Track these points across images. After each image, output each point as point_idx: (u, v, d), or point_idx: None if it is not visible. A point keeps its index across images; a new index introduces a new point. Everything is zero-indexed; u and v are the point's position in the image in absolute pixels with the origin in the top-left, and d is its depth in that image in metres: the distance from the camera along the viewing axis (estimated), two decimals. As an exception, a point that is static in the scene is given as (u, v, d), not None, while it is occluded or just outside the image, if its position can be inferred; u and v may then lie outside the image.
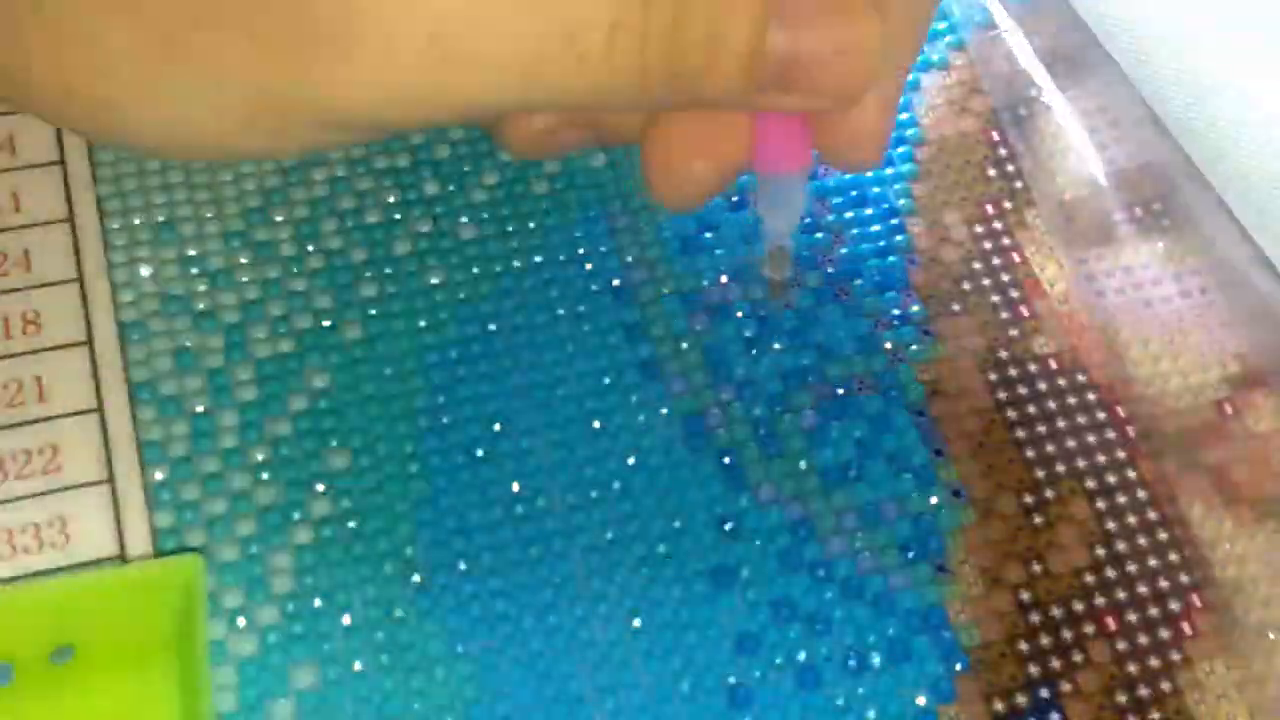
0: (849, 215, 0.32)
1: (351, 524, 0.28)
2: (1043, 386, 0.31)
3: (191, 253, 0.30)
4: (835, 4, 0.20)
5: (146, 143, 0.21)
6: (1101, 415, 0.30)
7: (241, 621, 0.27)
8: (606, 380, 0.30)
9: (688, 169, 0.23)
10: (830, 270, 0.32)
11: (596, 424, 0.29)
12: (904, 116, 0.34)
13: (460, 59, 0.19)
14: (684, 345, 0.30)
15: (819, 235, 0.32)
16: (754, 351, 0.30)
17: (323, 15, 0.19)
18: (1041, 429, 0.30)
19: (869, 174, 0.33)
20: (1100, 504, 0.29)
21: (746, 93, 0.20)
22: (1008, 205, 0.33)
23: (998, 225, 0.33)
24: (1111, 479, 0.30)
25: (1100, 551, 0.29)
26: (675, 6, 0.19)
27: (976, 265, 0.32)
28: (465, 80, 0.20)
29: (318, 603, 0.27)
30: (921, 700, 0.27)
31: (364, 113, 0.20)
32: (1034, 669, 0.28)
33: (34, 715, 0.26)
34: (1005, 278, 0.32)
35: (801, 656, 0.27)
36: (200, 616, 0.26)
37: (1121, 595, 0.28)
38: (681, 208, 0.24)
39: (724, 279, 0.31)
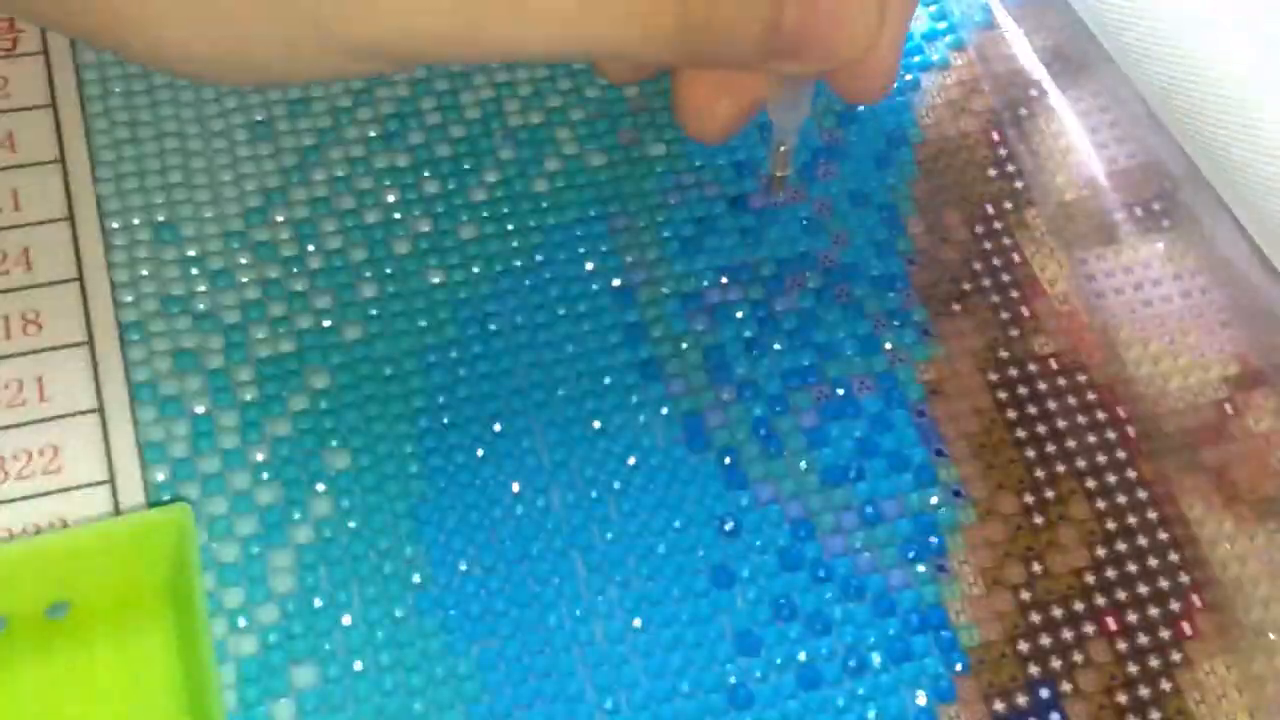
0: (849, 215, 0.32)
1: (351, 524, 0.28)
2: (1043, 386, 0.31)
3: (191, 253, 0.30)
4: None
5: (192, 69, 0.22)
6: (1101, 415, 0.30)
7: (242, 621, 0.27)
8: (606, 380, 0.30)
9: (714, 107, 0.26)
10: (830, 270, 0.32)
11: (596, 424, 0.29)
12: (904, 117, 0.34)
13: (492, 8, 0.20)
14: (684, 345, 0.30)
15: (819, 236, 0.32)
16: (754, 351, 0.30)
17: None
18: (1041, 429, 0.30)
19: (870, 165, 0.33)
20: (1100, 504, 0.29)
21: (762, 59, 0.23)
22: (1008, 205, 0.33)
23: (998, 225, 0.33)
24: (1111, 479, 0.30)
25: (1100, 551, 0.29)
26: None
27: (976, 265, 0.32)
28: (497, 28, 0.21)
29: (318, 603, 0.27)
30: (921, 700, 0.27)
31: (395, 47, 0.21)
32: (1034, 669, 0.28)
33: (31, 670, 0.26)
34: (1005, 278, 0.32)
35: (801, 656, 0.27)
36: (194, 565, 0.26)
37: (1121, 595, 0.28)
38: (711, 141, 0.27)
39: (724, 279, 0.31)
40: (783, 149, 0.27)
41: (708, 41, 0.22)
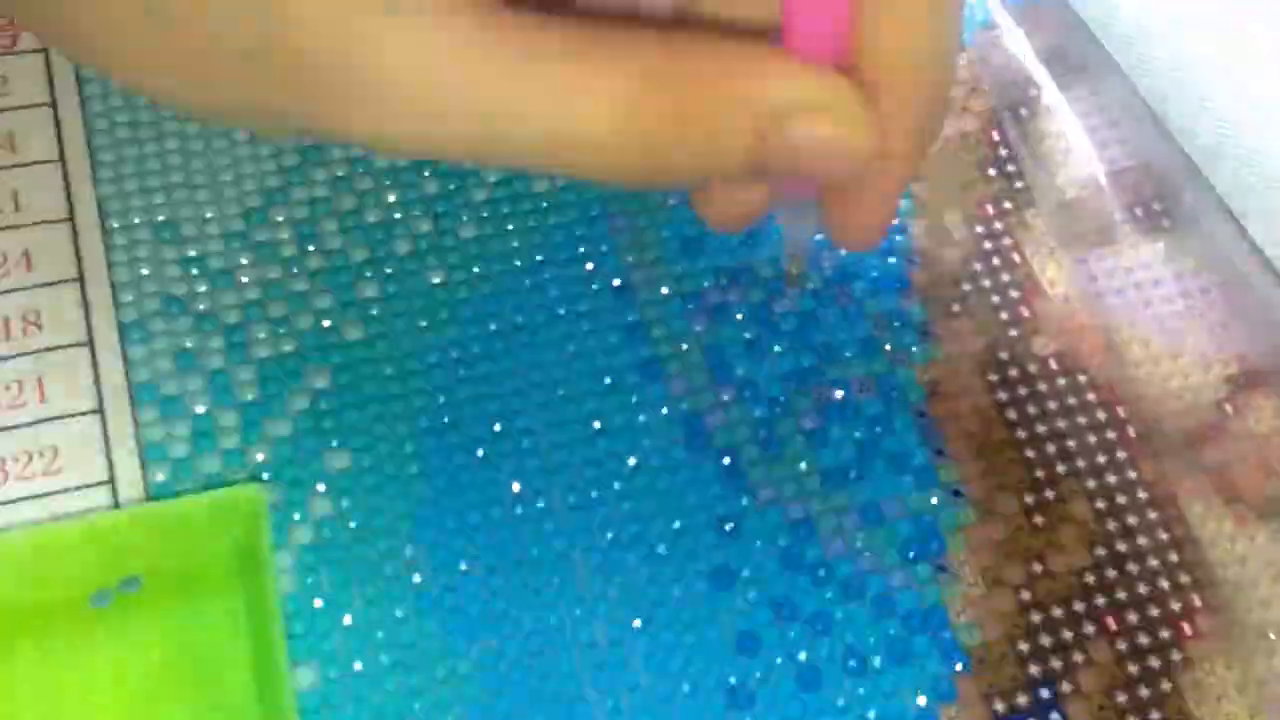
0: (849, 215, 0.32)
1: (351, 524, 0.28)
2: (1043, 386, 0.31)
3: (191, 253, 0.30)
4: (828, 103, 0.20)
5: (148, 93, 0.22)
6: (1101, 415, 0.30)
7: (242, 622, 0.27)
8: (606, 380, 0.30)
9: (730, 198, 0.24)
10: (831, 272, 0.32)
11: (596, 424, 0.29)
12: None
13: (458, 133, 0.20)
14: (684, 345, 0.30)
15: (819, 236, 0.32)
16: (754, 352, 0.30)
17: (322, 65, 0.19)
18: (1041, 429, 0.30)
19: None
20: (1100, 504, 0.29)
21: (745, 176, 0.21)
22: (1008, 205, 0.33)
23: (998, 225, 0.33)
24: (1111, 479, 0.30)
25: (1100, 551, 0.29)
26: (675, 117, 0.20)
27: (976, 265, 0.32)
28: (463, 148, 0.20)
29: (318, 603, 0.27)
30: (922, 700, 0.27)
31: (360, 141, 0.20)
32: (1034, 669, 0.28)
33: (103, 644, 0.26)
34: (1005, 278, 0.32)
35: (801, 656, 0.27)
36: (266, 543, 0.27)
37: (1121, 595, 0.28)
38: (728, 231, 0.25)
39: (724, 279, 0.31)
40: (796, 250, 0.27)
41: (682, 163, 0.20)
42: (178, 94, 0.21)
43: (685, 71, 0.20)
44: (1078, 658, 0.28)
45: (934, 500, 0.29)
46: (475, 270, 0.31)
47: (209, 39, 0.19)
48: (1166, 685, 0.28)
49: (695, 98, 0.20)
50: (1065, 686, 0.27)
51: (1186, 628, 0.28)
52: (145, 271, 0.30)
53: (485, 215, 0.32)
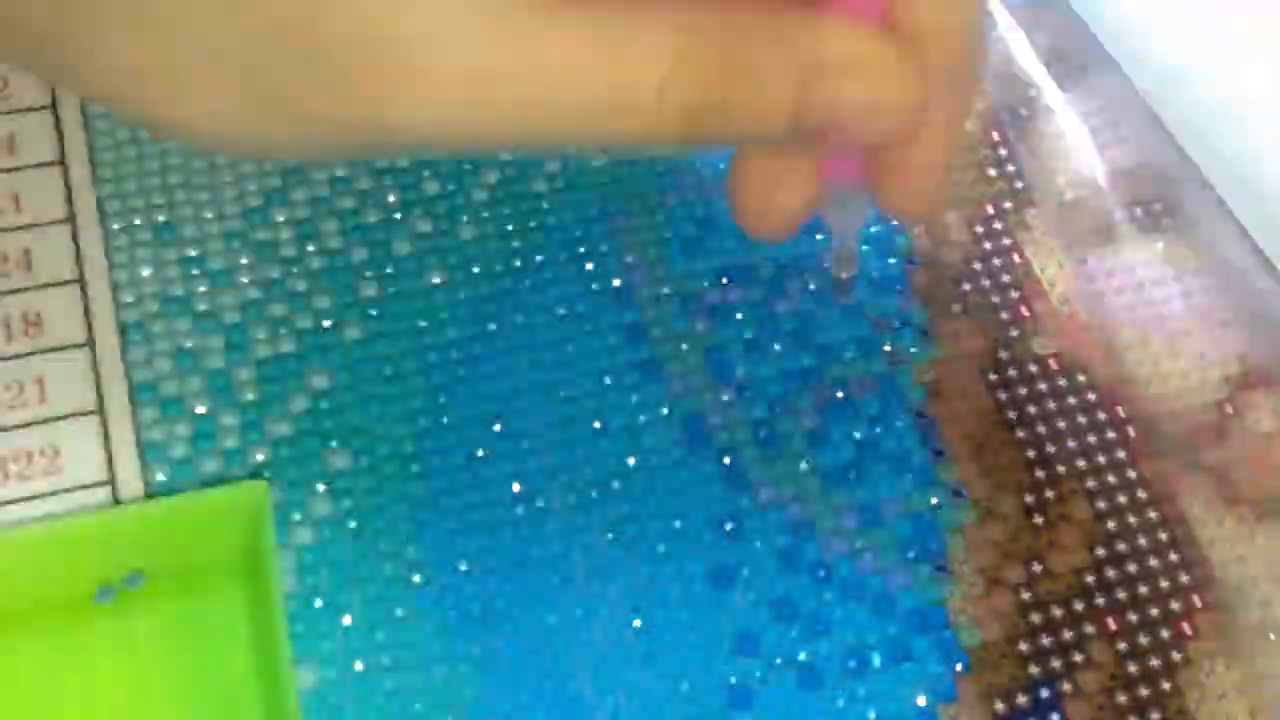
0: (849, 215, 0.32)
1: (351, 524, 0.28)
2: (1043, 386, 0.31)
3: (191, 253, 0.30)
4: (873, 59, 0.21)
5: (194, 140, 0.22)
6: (1101, 415, 0.30)
7: (242, 621, 0.27)
8: (606, 380, 0.30)
9: (771, 203, 0.24)
10: (830, 271, 0.32)
11: (596, 424, 0.29)
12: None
13: (505, 104, 0.20)
14: (684, 345, 0.30)
15: (819, 237, 0.32)
16: (754, 352, 0.30)
17: (371, 47, 0.19)
18: (1041, 429, 0.30)
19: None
20: (1100, 504, 0.29)
21: (790, 139, 0.21)
22: (1008, 205, 0.33)
23: (998, 225, 0.33)
24: (1111, 479, 0.30)
25: (1100, 551, 0.29)
26: (722, 68, 0.20)
27: (976, 266, 0.32)
28: (511, 121, 0.20)
29: (318, 603, 0.27)
30: (922, 700, 0.27)
31: (408, 140, 0.20)
32: (1034, 669, 0.28)
33: (107, 639, 0.27)
34: (1005, 278, 0.32)
35: (801, 656, 0.27)
36: (269, 540, 0.27)
37: (1121, 595, 0.28)
38: (773, 239, 0.25)
39: (724, 279, 0.31)
40: (845, 250, 0.26)
41: (727, 125, 0.21)
42: (230, 125, 0.20)
43: (732, 25, 0.20)
44: (1078, 658, 0.28)
45: (934, 500, 0.29)
46: (475, 270, 0.31)
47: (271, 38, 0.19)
48: (1167, 685, 0.28)
49: (742, 50, 0.20)
50: (1065, 686, 0.27)
51: (1186, 628, 0.28)
52: (145, 272, 0.30)
53: (485, 215, 0.32)
